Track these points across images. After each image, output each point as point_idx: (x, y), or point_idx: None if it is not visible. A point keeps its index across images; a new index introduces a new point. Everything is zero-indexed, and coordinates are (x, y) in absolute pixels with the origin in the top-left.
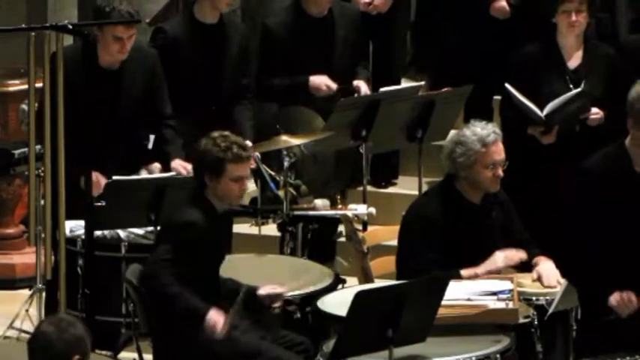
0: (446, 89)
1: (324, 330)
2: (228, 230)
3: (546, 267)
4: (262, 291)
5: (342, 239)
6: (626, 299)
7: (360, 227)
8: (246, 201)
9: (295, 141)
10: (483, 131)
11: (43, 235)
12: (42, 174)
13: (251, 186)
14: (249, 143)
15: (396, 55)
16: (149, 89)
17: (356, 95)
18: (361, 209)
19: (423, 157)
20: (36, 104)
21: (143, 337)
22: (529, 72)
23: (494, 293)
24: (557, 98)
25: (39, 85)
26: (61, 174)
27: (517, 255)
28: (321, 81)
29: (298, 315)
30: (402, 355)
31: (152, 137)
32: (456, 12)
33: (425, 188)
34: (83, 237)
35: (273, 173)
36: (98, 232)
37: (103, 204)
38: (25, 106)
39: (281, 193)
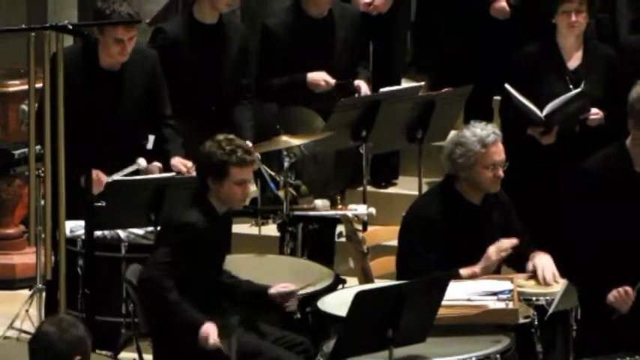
0: (446, 89)
1: (324, 330)
2: (227, 231)
3: (543, 261)
4: (273, 290)
5: (342, 239)
6: (623, 293)
7: (360, 227)
8: (246, 201)
9: (295, 141)
10: (483, 132)
11: (43, 236)
12: (42, 174)
13: (251, 186)
14: (249, 143)
15: (396, 56)
16: (149, 90)
17: (356, 95)
18: (361, 209)
19: (423, 157)
20: (36, 105)
21: (143, 337)
22: (529, 72)
23: (494, 293)
24: (557, 98)
25: (39, 85)
26: (61, 174)
27: (508, 243)
28: (320, 77)
29: (298, 315)
30: (402, 356)
31: (151, 138)
32: (456, 12)
33: (425, 189)
34: (83, 237)
35: (273, 173)
36: (98, 233)
37: (103, 204)
38: (25, 107)
39: (281, 193)
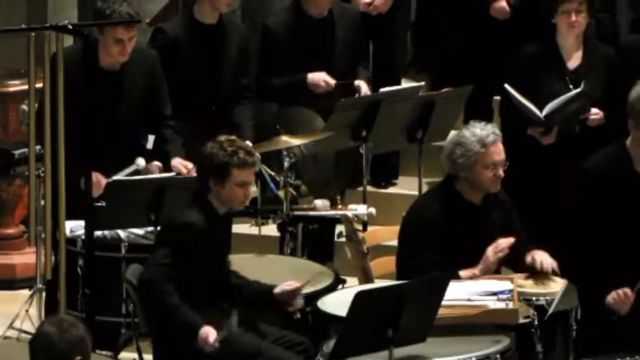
0: (446, 89)
1: (324, 330)
2: (228, 231)
3: (541, 254)
4: (278, 289)
5: (342, 239)
6: (622, 295)
7: (360, 227)
8: (246, 202)
9: (295, 141)
10: (483, 132)
11: (43, 236)
12: (42, 174)
13: (252, 187)
14: (249, 143)
15: (396, 56)
16: (149, 90)
17: (356, 95)
18: (361, 209)
19: (423, 157)
20: (36, 105)
21: (143, 337)
22: (529, 72)
23: (494, 293)
24: (557, 99)
25: (39, 85)
26: (61, 174)
27: (505, 243)
28: (320, 77)
29: (298, 315)
30: (402, 356)
31: (151, 137)
32: (456, 12)
33: (425, 189)
34: (83, 237)
35: (273, 173)
36: (98, 233)
37: (103, 204)
38: (25, 107)
39: (281, 193)
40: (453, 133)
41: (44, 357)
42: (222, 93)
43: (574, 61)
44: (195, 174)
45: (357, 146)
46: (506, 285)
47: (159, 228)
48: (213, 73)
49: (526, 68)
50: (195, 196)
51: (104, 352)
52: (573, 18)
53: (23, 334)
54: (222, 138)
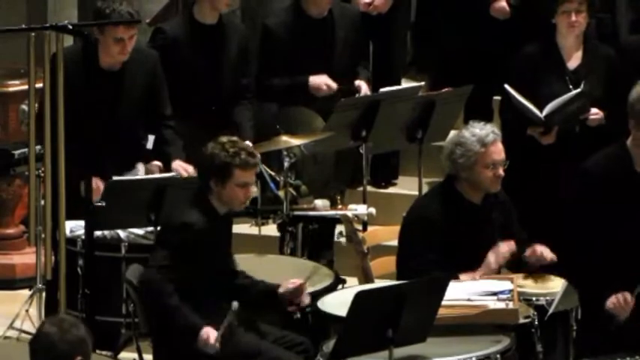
0: (446, 90)
1: (324, 330)
2: (228, 231)
3: (542, 247)
4: (282, 289)
5: (342, 239)
6: (622, 301)
7: (360, 227)
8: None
9: (295, 141)
10: (482, 132)
11: (43, 236)
12: (42, 174)
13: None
14: (249, 143)
15: (396, 56)
16: (149, 90)
17: (356, 95)
18: (361, 209)
19: (423, 157)
20: (36, 105)
21: (143, 338)
22: (529, 72)
23: (494, 293)
24: (557, 99)
25: (39, 85)
26: (61, 174)
27: (506, 248)
28: (322, 81)
29: (298, 315)
30: (402, 356)
31: (151, 137)
32: (456, 12)
33: (425, 189)
34: (83, 237)
35: (273, 173)
36: (98, 233)
37: (103, 204)
38: (25, 107)
39: (281, 193)
40: (452, 133)
41: (45, 357)
42: (222, 93)
43: (574, 62)
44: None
45: (357, 146)
46: (506, 285)
47: (159, 228)
48: (213, 73)
49: (526, 68)
50: (196, 196)
51: (104, 352)
52: (573, 18)
53: (23, 334)
54: (224, 139)
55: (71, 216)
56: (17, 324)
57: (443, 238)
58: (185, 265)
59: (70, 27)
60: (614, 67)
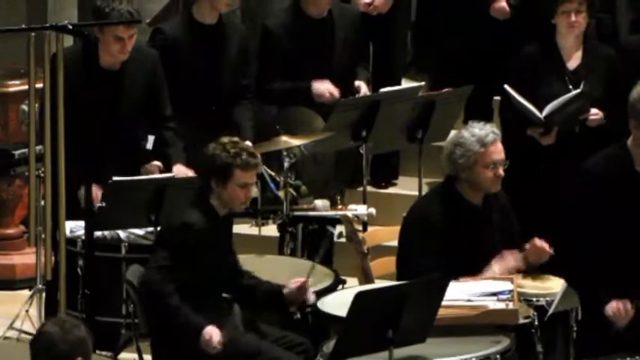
0: (446, 90)
1: (324, 330)
2: (228, 232)
3: (541, 240)
4: (286, 290)
5: (342, 239)
6: (622, 309)
7: (360, 228)
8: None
9: (295, 141)
10: (482, 132)
11: (43, 236)
12: (42, 174)
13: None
14: (249, 144)
15: (396, 56)
16: (149, 90)
17: (356, 96)
18: (361, 210)
19: (423, 157)
20: (36, 105)
21: (143, 338)
22: (528, 73)
23: (494, 294)
24: (557, 99)
25: (39, 85)
26: (61, 174)
27: (512, 262)
28: (325, 87)
29: (298, 315)
30: (402, 356)
31: (151, 138)
32: (456, 12)
33: (425, 189)
34: (83, 237)
35: (273, 174)
36: (98, 233)
37: (104, 204)
38: (25, 107)
39: (281, 193)
40: (453, 133)
41: (45, 357)
42: (222, 93)
43: (574, 62)
44: None
45: (357, 146)
46: (506, 285)
47: (159, 229)
48: (213, 73)
49: (526, 68)
50: (196, 196)
51: (104, 353)
52: (573, 18)
53: (23, 335)
54: (225, 139)
55: (71, 216)
56: (17, 324)
57: (443, 239)
58: (185, 266)
59: (70, 27)
60: (614, 68)
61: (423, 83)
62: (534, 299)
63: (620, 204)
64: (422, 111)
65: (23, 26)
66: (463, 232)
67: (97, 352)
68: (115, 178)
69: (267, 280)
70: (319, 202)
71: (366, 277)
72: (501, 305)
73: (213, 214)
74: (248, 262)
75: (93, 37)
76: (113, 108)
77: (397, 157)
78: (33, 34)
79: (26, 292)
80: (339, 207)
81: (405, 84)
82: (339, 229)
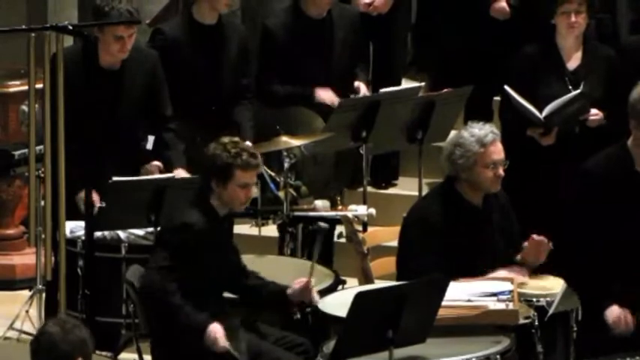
0: (446, 90)
1: (324, 331)
2: (229, 233)
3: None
4: (290, 291)
5: (342, 240)
6: (623, 319)
7: (360, 228)
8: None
9: (295, 142)
10: (481, 132)
11: (43, 236)
12: (42, 175)
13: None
14: (249, 144)
15: (396, 56)
16: (149, 90)
17: (356, 96)
18: (361, 210)
19: (423, 158)
20: (37, 105)
21: (143, 338)
22: (528, 73)
23: (494, 294)
24: (557, 100)
25: (39, 86)
26: (61, 175)
27: (520, 279)
28: (328, 97)
29: (298, 316)
30: (402, 356)
31: (151, 138)
32: (456, 13)
33: (425, 189)
34: (83, 238)
35: (273, 174)
36: (98, 233)
37: (104, 205)
38: (25, 107)
39: (281, 194)
40: (453, 133)
41: (46, 357)
42: (222, 93)
43: (574, 62)
44: None
45: (357, 147)
46: (506, 286)
47: (159, 229)
48: (212, 73)
49: (526, 69)
50: (197, 197)
51: (104, 353)
52: (573, 19)
53: (23, 335)
54: (226, 139)
55: (71, 217)
56: (17, 325)
57: (443, 240)
58: (185, 266)
59: (70, 27)
60: (614, 68)
61: (423, 84)
62: (534, 299)
63: (620, 204)
64: (422, 111)
65: (23, 26)
66: (463, 233)
67: (97, 352)
68: (115, 179)
69: (272, 281)
70: (319, 203)
71: (366, 277)
72: (501, 305)
73: (213, 214)
74: (248, 262)
75: (93, 37)
76: (113, 108)
77: (397, 157)
78: (33, 34)
79: (26, 293)
80: (339, 207)
81: (405, 84)
82: (339, 229)
